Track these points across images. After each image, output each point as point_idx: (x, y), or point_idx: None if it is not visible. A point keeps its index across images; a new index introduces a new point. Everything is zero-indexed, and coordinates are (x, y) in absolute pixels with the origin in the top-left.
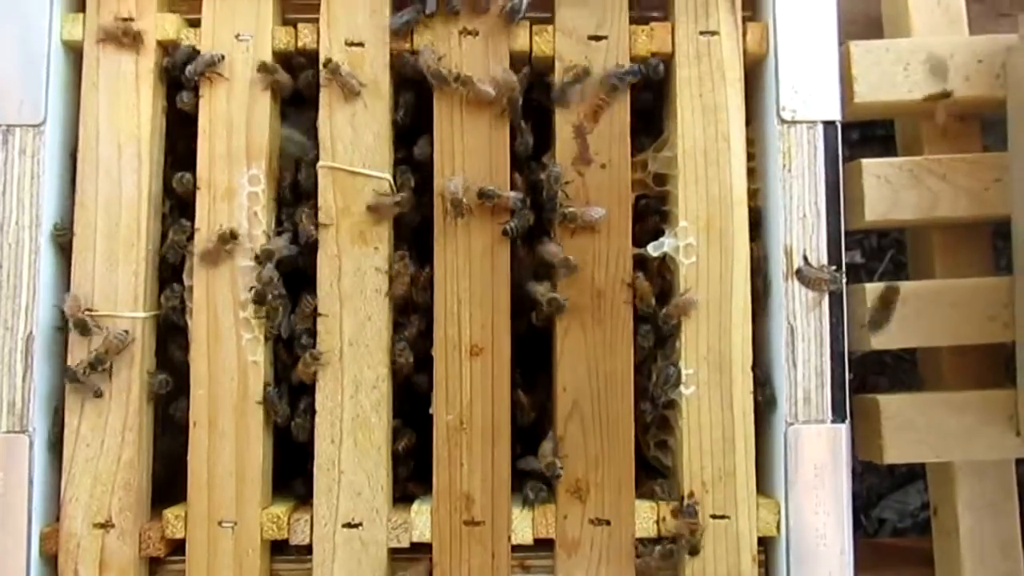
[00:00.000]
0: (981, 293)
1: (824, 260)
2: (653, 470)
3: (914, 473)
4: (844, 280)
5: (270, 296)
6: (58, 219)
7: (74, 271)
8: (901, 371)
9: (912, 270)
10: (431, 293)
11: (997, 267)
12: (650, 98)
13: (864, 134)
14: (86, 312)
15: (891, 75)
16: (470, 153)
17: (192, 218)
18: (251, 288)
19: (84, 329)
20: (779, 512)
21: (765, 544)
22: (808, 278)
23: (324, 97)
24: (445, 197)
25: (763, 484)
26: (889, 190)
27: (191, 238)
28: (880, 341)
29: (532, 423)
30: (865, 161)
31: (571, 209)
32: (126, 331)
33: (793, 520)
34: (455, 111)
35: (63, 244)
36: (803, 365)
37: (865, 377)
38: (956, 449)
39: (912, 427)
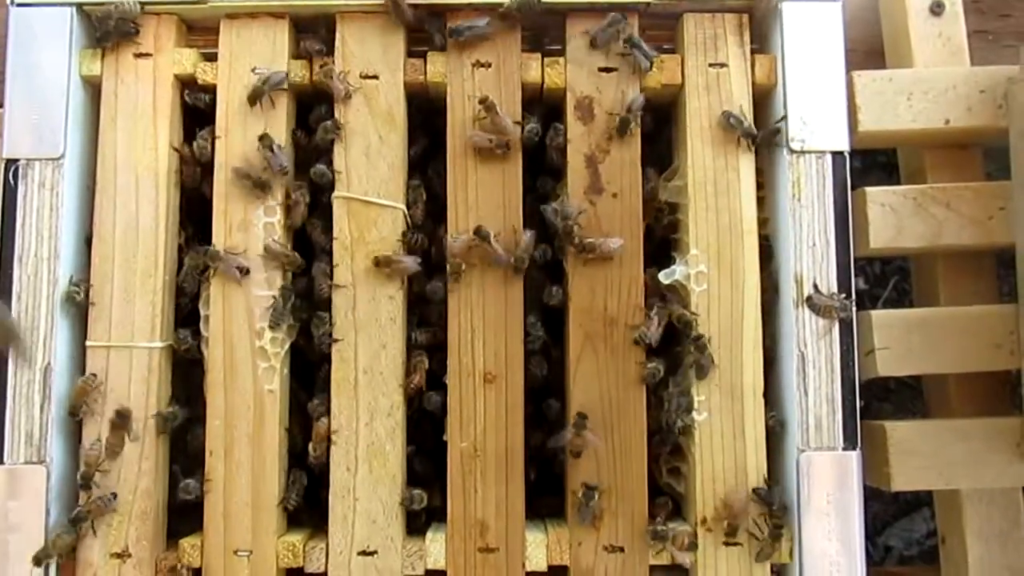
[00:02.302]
0: (987, 321)
1: (834, 288)
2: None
3: (919, 500)
4: (854, 308)
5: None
6: (73, 275)
7: (92, 302)
8: (905, 397)
9: (916, 297)
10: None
11: (1000, 295)
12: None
13: (865, 162)
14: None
15: (894, 105)
16: (483, 187)
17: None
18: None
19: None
20: (792, 539)
21: (778, 571)
22: (818, 306)
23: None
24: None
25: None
26: (894, 218)
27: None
28: (886, 368)
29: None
30: (869, 189)
31: (590, 240)
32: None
33: (806, 547)
34: (469, 147)
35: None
36: (814, 392)
37: (869, 403)
38: (964, 477)
39: (919, 454)
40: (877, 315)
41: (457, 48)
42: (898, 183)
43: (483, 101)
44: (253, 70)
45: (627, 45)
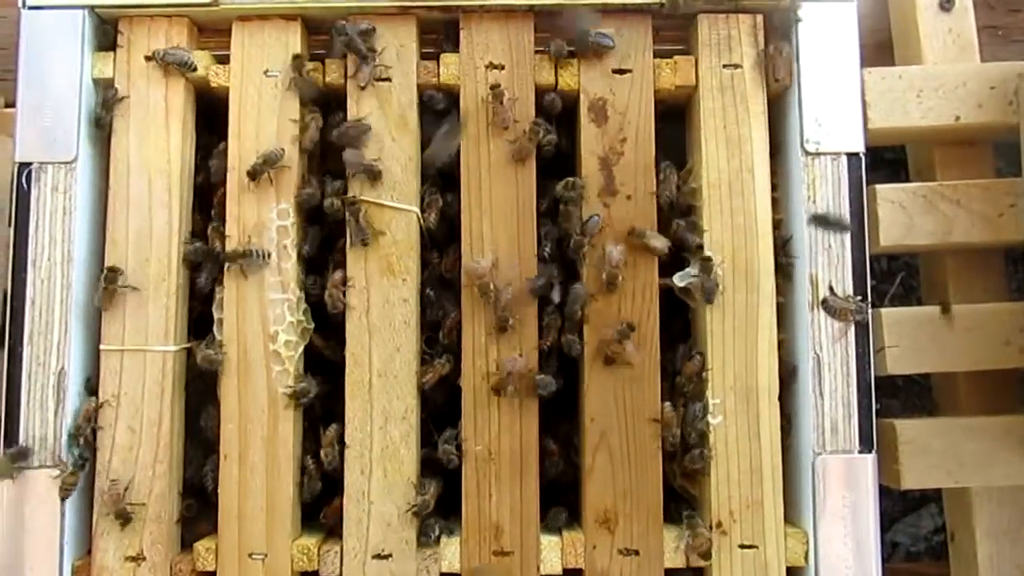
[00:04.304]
0: (997, 318)
1: (850, 290)
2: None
3: (926, 497)
4: (870, 310)
5: None
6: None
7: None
8: (913, 393)
9: (925, 295)
10: (459, 336)
11: (1010, 292)
12: None
13: (873, 158)
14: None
15: (904, 102)
16: (497, 190)
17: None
18: None
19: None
20: (807, 542)
21: (793, 574)
22: (834, 308)
23: None
24: (472, 279)
25: (791, 514)
26: (903, 216)
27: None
28: (896, 366)
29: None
30: (879, 187)
31: (612, 271)
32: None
33: (822, 550)
34: (482, 161)
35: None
36: (830, 395)
37: (877, 399)
38: (974, 475)
39: (929, 452)
40: (887, 313)
41: (470, 50)
42: (905, 179)
43: (494, 87)
44: (265, 72)
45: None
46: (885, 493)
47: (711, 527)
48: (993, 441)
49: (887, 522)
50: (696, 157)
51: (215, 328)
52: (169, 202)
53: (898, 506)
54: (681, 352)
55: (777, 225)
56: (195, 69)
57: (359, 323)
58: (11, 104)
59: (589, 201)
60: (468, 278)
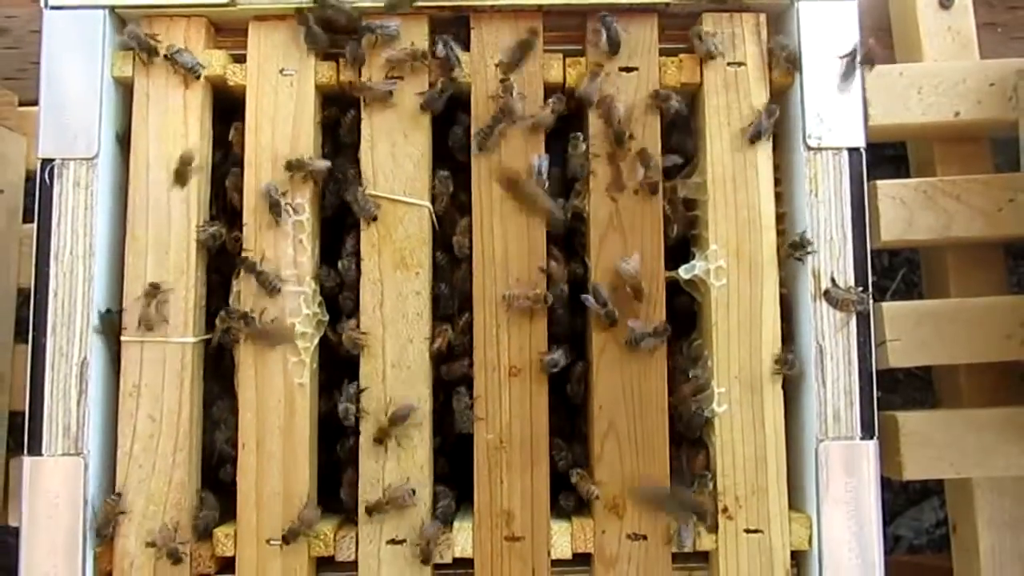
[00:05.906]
0: (998, 312)
1: (851, 282)
2: None
3: (928, 490)
4: (871, 301)
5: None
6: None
7: (126, 299)
8: (913, 387)
9: (927, 289)
10: (471, 338)
11: (1010, 286)
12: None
13: (874, 154)
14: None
15: (904, 98)
16: (508, 201)
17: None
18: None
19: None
20: (811, 527)
21: (797, 558)
22: (836, 299)
23: (365, 129)
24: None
25: (795, 499)
26: (904, 211)
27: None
28: (898, 359)
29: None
30: (880, 183)
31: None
32: None
33: (825, 534)
34: (492, 156)
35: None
36: (832, 384)
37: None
38: (975, 466)
39: (931, 444)
40: (888, 307)
41: (480, 49)
42: (905, 175)
43: (503, 81)
44: (281, 71)
45: (599, 24)
46: (887, 487)
47: (716, 513)
48: (994, 433)
49: (889, 516)
50: (700, 152)
51: (231, 319)
52: (187, 197)
53: (900, 499)
54: (685, 349)
55: (780, 219)
56: (199, 76)
57: (372, 315)
58: (24, 103)
59: (597, 194)
60: (505, 302)
